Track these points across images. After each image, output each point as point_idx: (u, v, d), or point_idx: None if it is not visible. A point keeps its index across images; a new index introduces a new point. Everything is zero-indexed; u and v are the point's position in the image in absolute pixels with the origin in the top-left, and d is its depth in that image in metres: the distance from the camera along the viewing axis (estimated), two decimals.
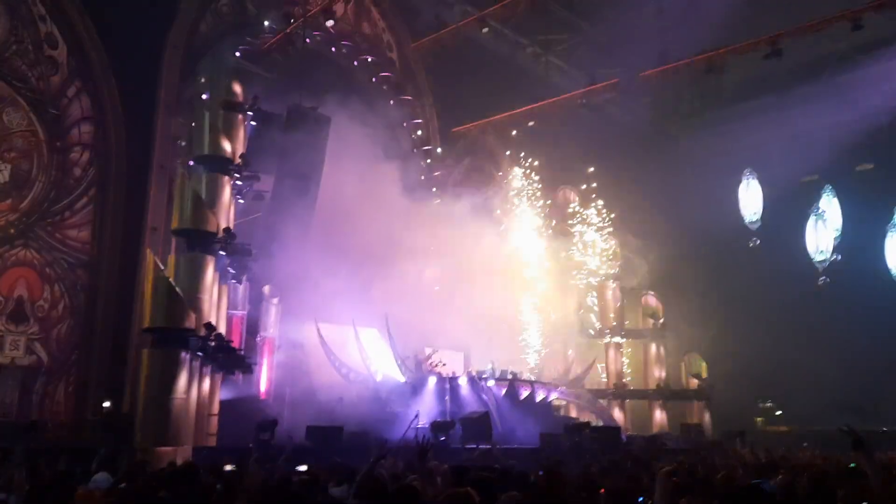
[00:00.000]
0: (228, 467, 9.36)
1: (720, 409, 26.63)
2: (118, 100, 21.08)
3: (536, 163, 26.28)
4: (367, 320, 21.80)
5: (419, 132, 27.44)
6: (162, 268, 16.18)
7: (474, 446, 16.93)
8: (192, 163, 18.99)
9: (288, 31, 23.37)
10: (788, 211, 27.96)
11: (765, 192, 28.17)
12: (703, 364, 26.93)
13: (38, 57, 20.50)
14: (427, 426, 17.97)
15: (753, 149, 26.83)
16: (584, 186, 27.14)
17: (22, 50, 20.26)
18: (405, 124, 27.14)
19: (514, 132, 26.01)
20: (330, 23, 23.74)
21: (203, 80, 21.86)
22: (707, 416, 26.51)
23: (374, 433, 17.20)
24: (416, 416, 18.49)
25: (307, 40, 23.65)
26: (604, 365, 26.35)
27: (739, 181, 28.30)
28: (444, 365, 21.81)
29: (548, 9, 23.77)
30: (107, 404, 19.22)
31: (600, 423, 22.19)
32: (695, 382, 26.92)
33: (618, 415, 25.30)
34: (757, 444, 19.78)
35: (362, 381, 20.97)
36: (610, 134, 25.84)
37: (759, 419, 28.58)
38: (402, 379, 21.01)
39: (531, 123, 25.66)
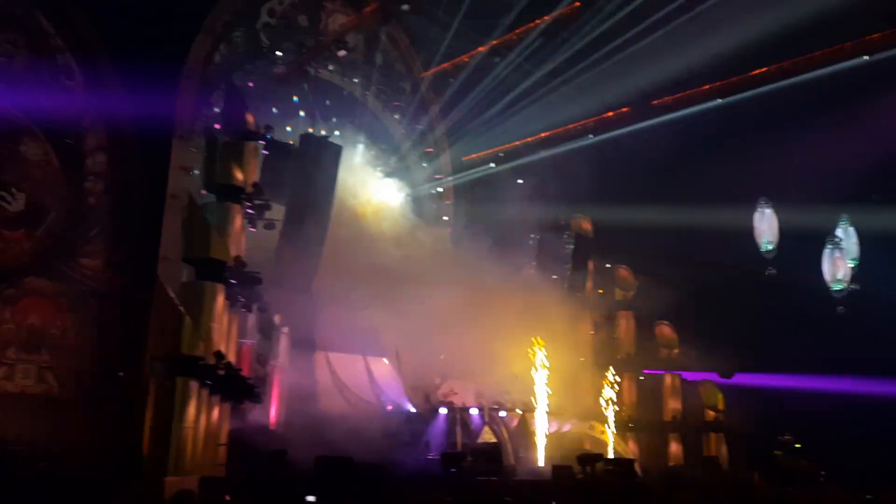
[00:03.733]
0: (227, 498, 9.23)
1: (737, 441, 26.11)
2: (133, 130, 21.25)
3: (547, 192, 26.26)
4: (377, 350, 21.66)
5: (431, 161, 27.53)
6: (172, 296, 16.17)
7: (485, 478, 16.70)
8: (204, 192, 19.10)
9: (301, 61, 23.61)
10: (804, 240, 27.66)
11: (780, 221, 27.91)
12: (720, 395, 26.49)
13: (55, 88, 20.75)
14: (438, 457, 17.73)
15: (769, 178, 26.64)
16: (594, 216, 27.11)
17: (39, 81, 20.53)
18: (416, 154, 27.25)
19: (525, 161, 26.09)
20: (342, 53, 23.97)
21: (216, 110, 22.13)
22: (724, 449, 26.00)
23: (384, 465, 16.97)
24: (428, 446, 18.25)
25: (319, 70, 23.88)
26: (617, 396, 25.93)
27: (754, 210, 28.08)
28: (455, 394, 21.58)
29: (559, 37, 23.89)
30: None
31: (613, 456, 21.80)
32: (711, 414, 26.46)
33: (632, 447, 24.88)
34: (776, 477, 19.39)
35: (373, 412, 20.76)
36: (622, 162, 25.77)
37: (777, 452, 27.93)
38: (413, 410, 20.80)
39: (543, 153, 25.67)
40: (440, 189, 27.30)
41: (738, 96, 22.94)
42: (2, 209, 19.61)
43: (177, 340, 15.76)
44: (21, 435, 18.66)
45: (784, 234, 27.98)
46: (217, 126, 20.88)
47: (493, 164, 26.90)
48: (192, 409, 15.51)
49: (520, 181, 27.00)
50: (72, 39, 20.92)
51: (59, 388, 19.54)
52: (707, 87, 22.92)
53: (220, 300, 16.92)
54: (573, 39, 23.99)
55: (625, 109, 24.25)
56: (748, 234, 27.43)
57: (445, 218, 26.52)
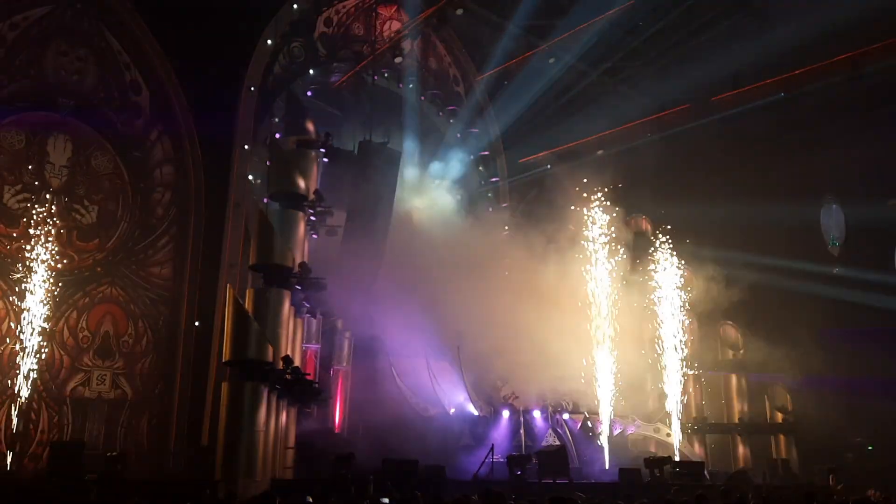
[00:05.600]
0: (310, 499, 9.40)
1: (807, 443, 25.38)
2: (197, 141, 21.86)
3: (605, 191, 25.94)
4: (439, 353, 21.74)
5: (487, 165, 27.58)
6: (240, 302, 16.54)
7: (551, 480, 16.61)
8: (267, 200, 19.51)
9: (357, 69, 23.94)
10: (874, 236, 26.75)
11: (848, 216, 27.07)
12: (788, 396, 25.80)
13: (123, 103, 21.51)
14: (503, 460, 17.70)
15: (835, 172, 25.87)
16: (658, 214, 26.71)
17: (108, 97, 21.32)
18: (472, 157, 27.29)
19: (581, 162, 25.87)
20: (398, 60, 24.23)
21: (277, 119, 22.59)
22: (794, 451, 25.32)
23: (449, 467, 17.03)
24: (492, 449, 18.23)
25: (375, 78, 24.15)
26: (683, 398, 25.47)
27: (821, 206, 27.31)
28: (517, 397, 21.49)
29: (614, 36, 23.69)
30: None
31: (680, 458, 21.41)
32: (780, 415, 25.79)
33: (698, 450, 24.41)
34: (849, 480, 18.79)
35: (436, 415, 20.84)
36: (683, 160, 25.36)
37: (848, 454, 27.05)
38: (476, 412, 20.80)
39: (600, 152, 25.45)
40: (496, 191, 27.30)
41: (802, 90, 22.34)
42: (76, 221, 20.42)
43: (245, 346, 16.10)
44: (98, 437, 19.43)
45: (851, 230, 27.16)
46: (278, 135, 21.35)
47: (549, 166, 26.77)
48: (261, 413, 15.81)
49: (576, 181, 26.78)
50: (137, 56, 21.68)
51: (132, 392, 20.21)
52: (769, 80, 22.38)
53: (287, 306, 17.25)
54: (629, 38, 23.74)
55: (684, 107, 23.86)
56: (815, 230, 26.72)
57: (502, 220, 26.43)
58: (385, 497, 10.11)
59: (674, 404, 22.79)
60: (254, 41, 22.73)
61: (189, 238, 21.52)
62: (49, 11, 20.66)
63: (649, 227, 26.95)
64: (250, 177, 21.77)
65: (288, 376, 16.62)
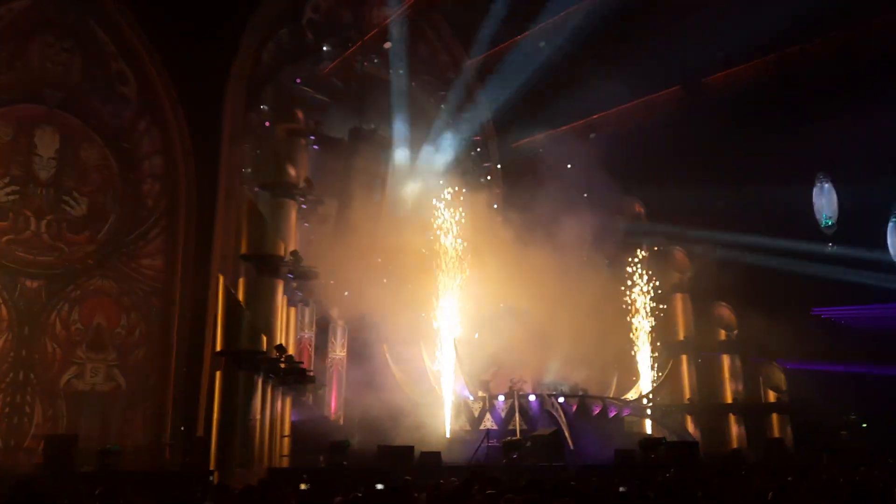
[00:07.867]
0: (303, 486, 9.40)
1: (802, 422, 25.49)
2: (186, 132, 21.69)
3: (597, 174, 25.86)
4: (433, 339, 21.71)
5: (478, 149, 27.43)
6: (232, 293, 16.48)
7: (546, 464, 16.65)
8: (258, 189, 19.41)
9: (346, 55, 23.75)
10: (867, 214, 26.78)
11: (840, 195, 27.08)
12: (782, 375, 25.89)
13: (111, 94, 21.33)
14: (498, 444, 17.74)
15: (827, 151, 25.83)
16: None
17: (95, 88, 21.12)
18: (463, 142, 27.14)
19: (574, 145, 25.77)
20: (387, 45, 24.02)
21: (265, 108, 22.43)
22: (789, 431, 25.43)
23: (444, 452, 17.06)
24: (487, 434, 18.27)
25: (365, 64, 23.98)
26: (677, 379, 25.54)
27: (813, 185, 27.31)
28: (525, 382, 21.45)
29: (604, 19, 23.51)
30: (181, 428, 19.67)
31: (674, 439, 21.49)
32: (774, 395, 25.89)
33: (692, 430, 24.50)
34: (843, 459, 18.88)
35: (431, 401, 20.84)
36: (675, 141, 25.28)
37: (843, 432, 27.19)
38: (472, 397, 20.81)
39: (592, 135, 25.35)
40: (489, 177, 27.18)
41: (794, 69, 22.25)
42: (66, 213, 20.29)
43: (238, 336, 16.06)
44: (92, 430, 19.38)
45: (844, 208, 27.16)
46: (267, 123, 21.22)
47: (541, 150, 26.67)
48: (256, 402, 15.81)
49: (568, 164, 26.69)
50: (124, 46, 21.48)
51: (126, 384, 20.18)
52: (761, 60, 22.28)
53: (279, 295, 17.20)
54: (618, 19, 23.56)
55: (676, 88, 23.75)
56: (807, 209, 26.71)
57: (495, 206, 26.36)
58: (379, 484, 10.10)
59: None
60: (241, 29, 22.52)
61: (180, 229, 21.43)
62: (33, 3, 20.44)
63: (642, 210, 26.95)
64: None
65: (282, 365, 16.61)
